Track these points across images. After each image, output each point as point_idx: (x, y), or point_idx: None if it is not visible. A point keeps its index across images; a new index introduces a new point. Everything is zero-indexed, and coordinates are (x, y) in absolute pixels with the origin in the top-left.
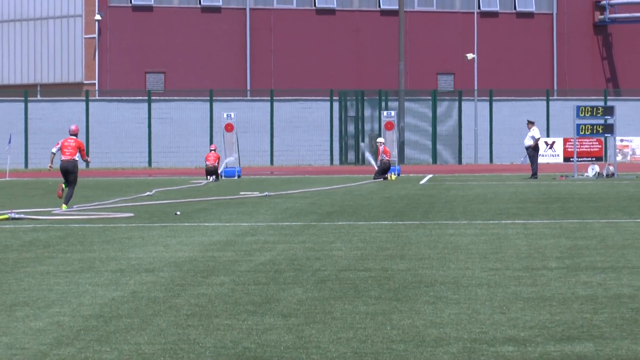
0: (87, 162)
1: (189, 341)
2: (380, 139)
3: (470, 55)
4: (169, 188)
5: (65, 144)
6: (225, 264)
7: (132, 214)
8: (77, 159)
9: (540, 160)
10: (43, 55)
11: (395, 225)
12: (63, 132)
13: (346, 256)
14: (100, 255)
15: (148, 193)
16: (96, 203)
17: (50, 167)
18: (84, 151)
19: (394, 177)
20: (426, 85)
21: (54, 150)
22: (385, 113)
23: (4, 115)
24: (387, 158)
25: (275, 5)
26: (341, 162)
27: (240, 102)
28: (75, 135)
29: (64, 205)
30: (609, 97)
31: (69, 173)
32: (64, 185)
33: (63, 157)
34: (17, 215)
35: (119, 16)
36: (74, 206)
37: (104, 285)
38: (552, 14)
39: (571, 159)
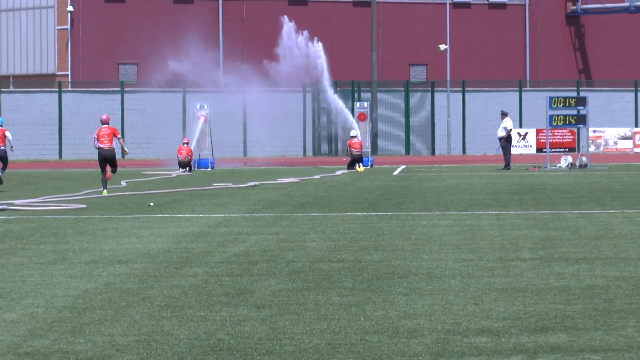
0: (124, 152)
1: (163, 332)
2: (352, 131)
3: (442, 46)
4: (136, 180)
5: (101, 133)
6: (199, 255)
7: (84, 206)
8: (114, 146)
9: (513, 151)
10: (15, 46)
11: (369, 217)
12: (36, 124)
13: (319, 247)
14: (73, 247)
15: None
16: (68, 194)
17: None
18: (120, 136)
19: (361, 168)
20: (399, 76)
21: (95, 144)
22: (358, 104)
23: None
24: (356, 150)
25: None
26: (314, 154)
27: (213, 93)
28: (107, 123)
29: (105, 191)
30: (581, 88)
31: (107, 161)
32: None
33: (101, 145)
34: (1, 207)
35: (91, 7)
36: (40, 197)
37: (78, 276)
38: (524, 4)
39: (544, 150)
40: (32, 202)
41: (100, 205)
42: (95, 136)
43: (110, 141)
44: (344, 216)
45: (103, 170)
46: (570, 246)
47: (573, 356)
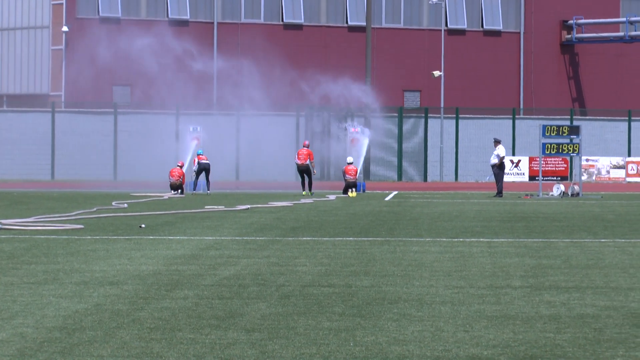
0: (313, 172)
1: (152, 354)
2: (348, 158)
3: (436, 73)
4: (130, 201)
5: (300, 153)
6: (190, 277)
7: (81, 226)
8: (307, 162)
9: (506, 178)
10: (9, 65)
11: (360, 242)
12: (29, 143)
13: (310, 272)
14: (64, 267)
15: (125, 205)
16: (60, 214)
17: None
18: (312, 160)
19: (353, 194)
20: (392, 102)
21: (296, 159)
22: (352, 129)
23: None
24: (350, 177)
25: (243, 20)
26: None
27: (206, 116)
28: (307, 147)
29: (304, 192)
30: (575, 117)
31: (304, 171)
32: None
33: (298, 162)
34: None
35: (86, 28)
36: (31, 217)
37: (68, 297)
38: (519, 32)
39: (536, 178)
40: (25, 222)
41: (91, 226)
42: (297, 154)
43: (305, 159)
44: (336, 241)
45: (302, 178)
46: (561, 275)
47: None
